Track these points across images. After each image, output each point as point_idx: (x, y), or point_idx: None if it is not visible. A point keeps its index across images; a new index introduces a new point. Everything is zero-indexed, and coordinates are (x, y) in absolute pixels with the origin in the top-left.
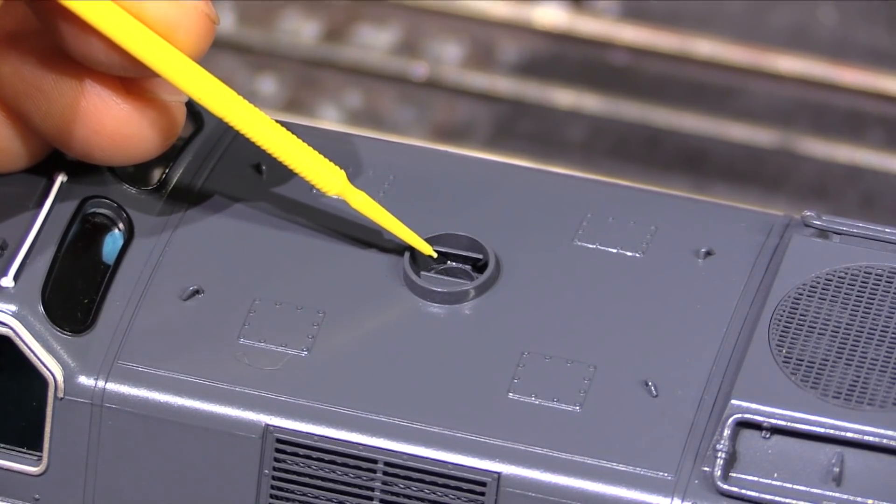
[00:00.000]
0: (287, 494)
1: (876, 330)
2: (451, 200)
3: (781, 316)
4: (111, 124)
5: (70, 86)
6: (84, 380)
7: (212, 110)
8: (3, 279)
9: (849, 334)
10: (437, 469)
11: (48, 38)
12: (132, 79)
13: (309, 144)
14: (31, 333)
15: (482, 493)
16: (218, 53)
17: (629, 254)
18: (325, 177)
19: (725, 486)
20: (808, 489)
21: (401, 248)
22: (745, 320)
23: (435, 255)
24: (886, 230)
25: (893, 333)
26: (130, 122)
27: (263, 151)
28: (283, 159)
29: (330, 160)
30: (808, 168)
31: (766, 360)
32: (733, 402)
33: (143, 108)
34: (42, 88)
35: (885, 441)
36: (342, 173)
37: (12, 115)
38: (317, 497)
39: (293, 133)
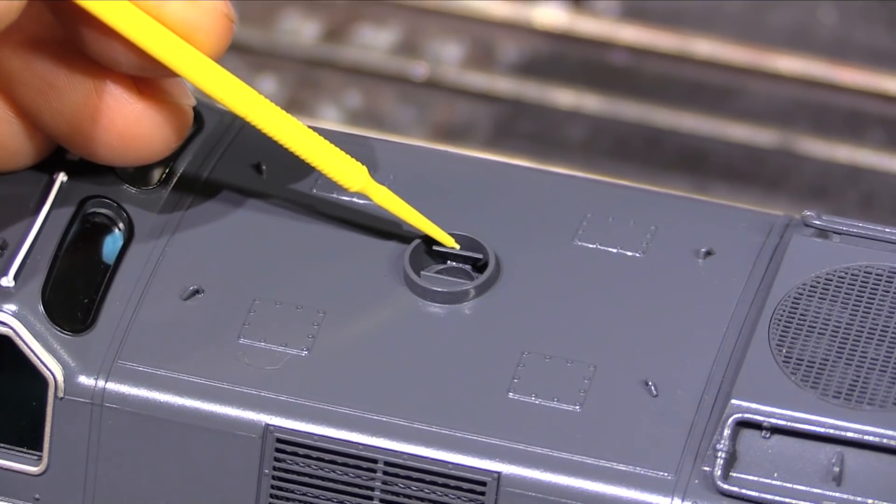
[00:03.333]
0: (287, 494)
1: (876, 330)
2: (451, 200)
3: (781, 316)
4: (121, 123)
5: (83, 83)
6: (84, 379)
7: (234, 110)
8: (3, 279)
9: (849, 334)
10: (437, 469)
11: (62, 36)
12: (144, 78)
13: None
14: (31, 333)
15: (482, 493)
16: None
17: (629, 254)
18: (347, 173)
19: (725, 486)
20: (808, 489)
21: (401, 248)
22: (745, 320)
23: (458, 246)
24: (886, 230)
25: (893, 333)
26: (140, 121)
27: (264, 151)
28: (305, 157)
29: None
30: (808, 168)
31: (766, 360)
32: (733, 401)
33: (154, 109)
34: (55, 84)
35: (885, 441)
36: (364, 169)
37: (20, 112)
38: (317, 497)
39: None
